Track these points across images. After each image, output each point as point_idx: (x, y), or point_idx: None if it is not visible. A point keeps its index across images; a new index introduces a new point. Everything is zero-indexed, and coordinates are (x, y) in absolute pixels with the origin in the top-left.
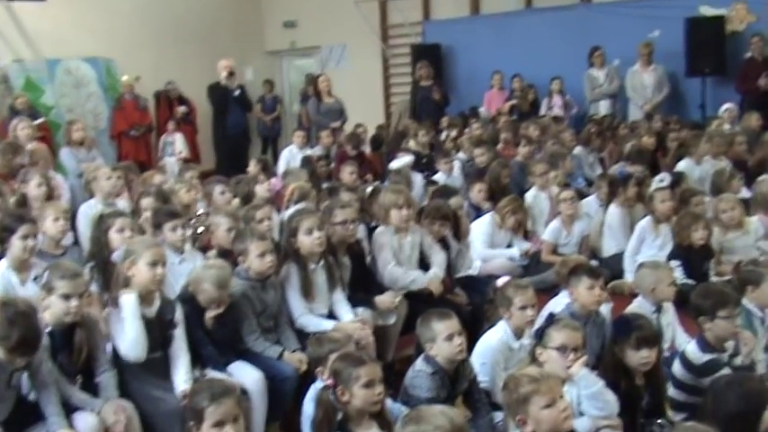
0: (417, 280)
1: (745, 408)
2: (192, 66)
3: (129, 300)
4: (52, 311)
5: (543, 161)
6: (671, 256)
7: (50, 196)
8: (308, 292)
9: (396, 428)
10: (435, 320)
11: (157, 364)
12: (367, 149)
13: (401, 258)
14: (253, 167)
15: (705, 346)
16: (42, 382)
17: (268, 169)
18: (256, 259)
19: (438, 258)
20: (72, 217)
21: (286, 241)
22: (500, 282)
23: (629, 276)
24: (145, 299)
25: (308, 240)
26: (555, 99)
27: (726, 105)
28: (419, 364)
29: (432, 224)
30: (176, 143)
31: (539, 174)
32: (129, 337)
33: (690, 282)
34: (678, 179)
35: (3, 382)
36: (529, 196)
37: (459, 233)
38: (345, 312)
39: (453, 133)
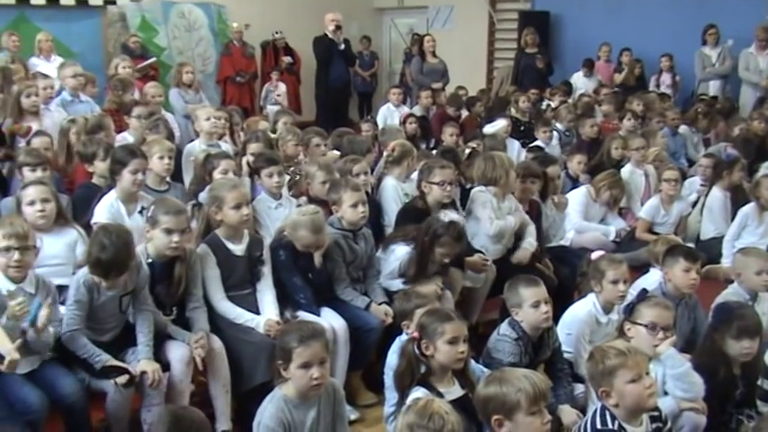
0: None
1: None
2: (299, 17)
3: None
4: (155, 244)
5: (640, 136)
6: None
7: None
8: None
9: (478, 387)
10: (523, 286)
11: (246, 299)
12: (465, 112)
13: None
14: (366, 127)
15: None
16: (140, 309)
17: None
18: (349, 209)
19: (531, 228)
20: (177, 155)
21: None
22: (594, 255)
23: (726, 262)
24: (234, 236)
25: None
26: (664, 77)
27: None
28: (504, 328)
29: (522, 182)
30: (278, 92)
31: (635, 148)
32: None
33: None
34: None
35: (115, 306)
36: (625, 172)
37: (552, 199)
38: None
39: (555, 103)
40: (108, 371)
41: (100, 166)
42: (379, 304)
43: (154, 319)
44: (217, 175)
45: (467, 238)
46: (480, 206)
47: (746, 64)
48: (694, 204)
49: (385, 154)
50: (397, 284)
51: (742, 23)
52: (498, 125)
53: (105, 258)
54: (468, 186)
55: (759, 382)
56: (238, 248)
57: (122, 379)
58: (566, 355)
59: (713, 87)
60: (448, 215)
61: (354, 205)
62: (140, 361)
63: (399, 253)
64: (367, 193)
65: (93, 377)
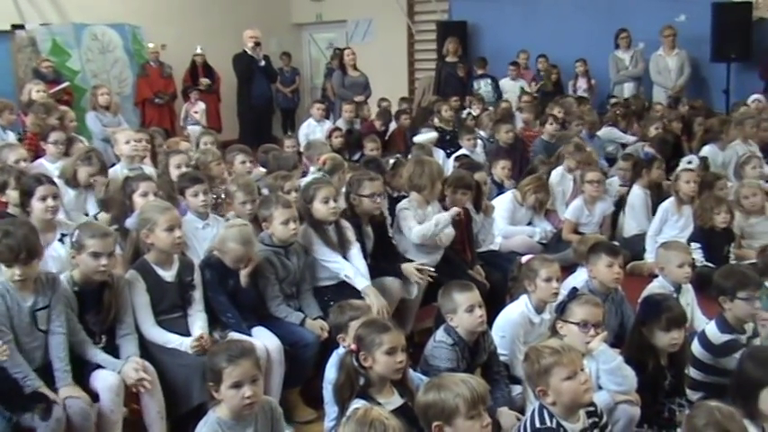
0: (440, 220)
1: (762, 376)
2: (217, 35)
3: None
4: (81, 270)
5: (574, 143)
6: (692, 239)
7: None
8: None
9: (417, 395)
10: (457, 292)
11: (177, 324)
12: (393, 125)
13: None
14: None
15: (724, 326)
16: (53, 331)
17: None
18: (280, 226)
19: (449, 231)
20: None
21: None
22: (524, 259)
23: (649, 257)
24: (164, 261)
25: (324, 209)
26: (580, 81)
27: (754, 96)
28: (440, 334)
29: (454, 193)
30: (195, 109)
31: (569, 154)
32: None
33: (710, 265)
34: (703, 163)
35: (30, 321)
36: (556, 175)
37: (482, 206)
38: (362, 265)
39: (476, 111)
40: (36, 398)
41: (12, 195)
42: (314, 319)
43: (83, 348)
44: (137, 198)
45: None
46: (402, 220)
47: (657, 66)
48: (617, 204)
49: (313, 168)
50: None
51: (652, 27)
52: (428, 136)
53: (12, 243)
54: (396, 195)
55: (687, 372)
56: (168, 274)
57: (40, 408)
58: (501, 358)
59: (627, 89)
60: None
61: (285, 222)
62: (61, 388)
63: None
64: None
65: (16, 412)
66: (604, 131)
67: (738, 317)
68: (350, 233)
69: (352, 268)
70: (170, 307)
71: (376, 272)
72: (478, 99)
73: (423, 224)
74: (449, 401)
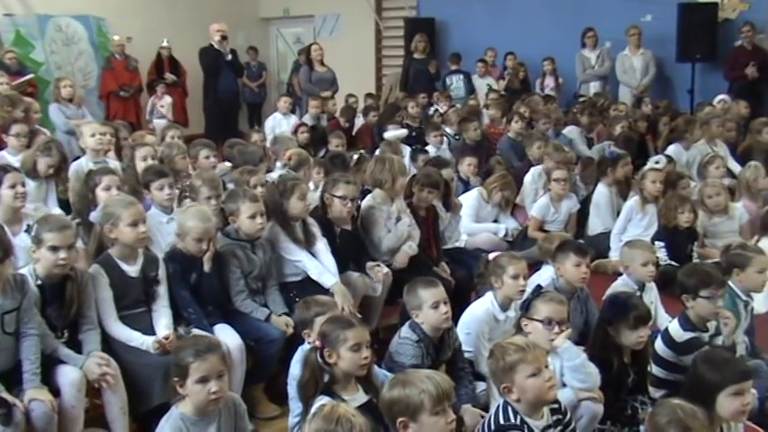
0: (403, 235)
1: (719, 380)
2: (183, 29)
3: None
4: (42, 264)
5: (553, 144)
6: (656, 237)
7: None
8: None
9: (382, 391)
10: (422, 288)
11: (141, 319)
12: (360, 121)
13: (389, 225)
14: (256, 137)
15: (687, 324)
16: (25, 334)
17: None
18: (247, 220)
19: (415, 233)
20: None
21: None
22: (491, 256)
23: (613, 255)
24: (128, 256)
25: (300, 205)
26: (547, 80)
27: (720, 96)
28: (404, 331)
29: (421, 191)
30: (162, 103)
31: (548, 155)
32: None
33: (673, 263)
34: (668, 163)
35: None
36: (532, 173)
37: (449, 203)
38: (329, 261)
39: (443, 107)
40: None
41: None
42: (279, 315)
43: (45, 343)
44: (100, 192)
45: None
46: (371, 225)
47: (622, 65)
48: (582, 202)
49: (279, 163)
50: None
51: (618, 26)
52: (397, 132)
53: None
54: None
55: (650, 369)
56: (132, 269)
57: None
58: (466, 355)
59: (593, 88)
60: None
61: (252, 216)
62: (27, 390)
63: None
64: None
65: None
66: (569, 130)
67: (701, 315)
68: (315, 228)
69: (318, 267)
70: (134, 302)
71: (344, 268)
72: (446, 96)
73: (389, 235)
74: (414, 397)
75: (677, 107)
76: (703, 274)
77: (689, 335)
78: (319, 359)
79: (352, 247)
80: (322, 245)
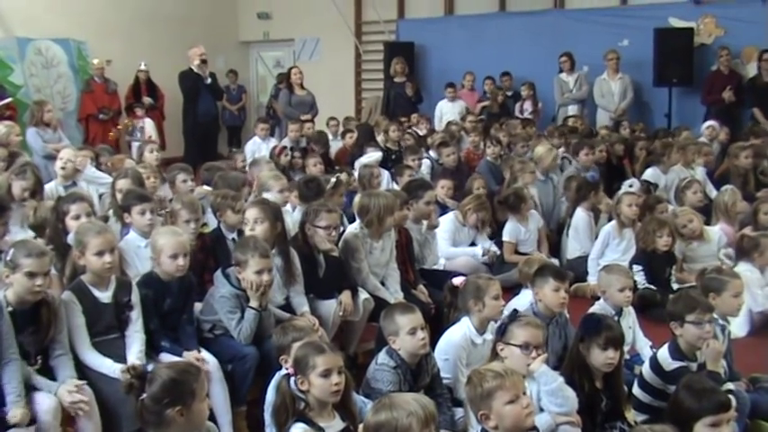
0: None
1: (697, 409)
2: (163, 52)
3: None
4: (15, 290)
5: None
6: (634, 261)
7: None
8: None
9: (367, 416)
10: (399, 314)
11: (114, 345)
12: (338, 144)
13: (371, 261)
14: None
15: (676, 352)
16: (8, 358)
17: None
18: (253, 275)
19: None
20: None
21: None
22: (457, 281)
23: (591, 279)
24: (100, 282)
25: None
26: (526, 104)
27: (708, 123)
28: (382, 357)
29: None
30: (146, 129)
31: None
32: None
33: (651, 287)
34: (648, 186)
35: None
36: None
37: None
38: (300, 304)
39: (423, 130)
40: None
41: None
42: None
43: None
44: (69, 221)
45: None
46: (354, 262)
47: (600, 90)
48: (560, 226)
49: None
50: None
51: (596, 51)
52: (373, 156)
53: None
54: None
55: (634, 392)
56: (105, 295)
57: None
58: (444, 381)
59: (572, 112)
60: None
61: (259, 272)
62: (9, 412)
63: None
64: None
65: None
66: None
67: (689, 342)
68: (295, 267)
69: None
70: (106, 328)
71: (327, 295)
72: (426, 119)
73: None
74: (402, 420)
75: (655, 131)
76: (688, 299)
77: (677, 364)
78: (292, 386)
79: (336, 274)
80: (299, 287)
